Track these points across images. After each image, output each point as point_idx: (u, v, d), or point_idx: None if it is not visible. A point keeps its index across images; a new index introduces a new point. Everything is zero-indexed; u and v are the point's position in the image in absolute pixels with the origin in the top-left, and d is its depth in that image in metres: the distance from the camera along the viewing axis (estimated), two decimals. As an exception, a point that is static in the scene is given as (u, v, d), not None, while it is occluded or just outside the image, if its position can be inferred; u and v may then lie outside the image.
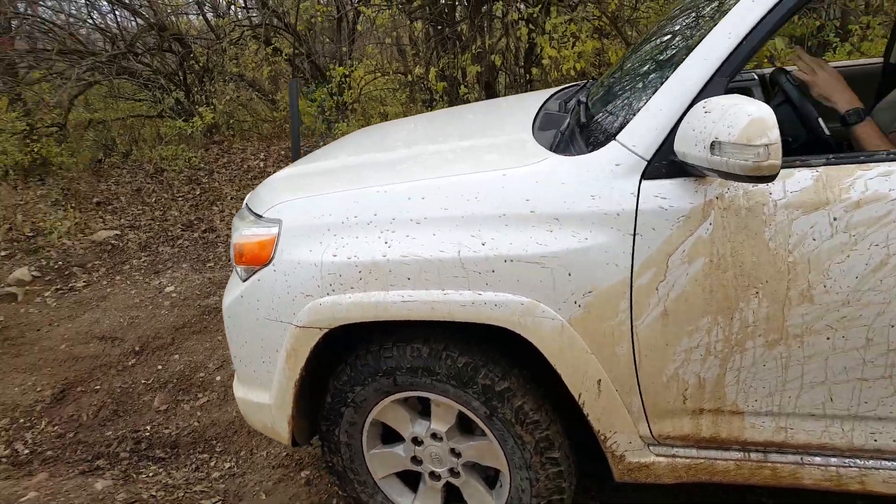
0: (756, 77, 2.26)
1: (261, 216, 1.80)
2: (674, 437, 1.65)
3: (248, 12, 8.78)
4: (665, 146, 1.45)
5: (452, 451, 1.84)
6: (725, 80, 1.43)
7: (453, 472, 1.87)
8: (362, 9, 7.29)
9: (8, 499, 2.44)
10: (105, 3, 8.27)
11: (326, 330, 1.67)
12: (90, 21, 8.63)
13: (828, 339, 1.44)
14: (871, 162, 1.39)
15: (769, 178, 1.25)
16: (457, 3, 6.64)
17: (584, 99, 1.90)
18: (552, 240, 1.50)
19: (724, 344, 1.49)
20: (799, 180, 1.40)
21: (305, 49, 7.50)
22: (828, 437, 1.56)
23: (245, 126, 8.38)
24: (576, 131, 1.70)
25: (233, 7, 9.23)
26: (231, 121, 8.29)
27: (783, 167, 1.41)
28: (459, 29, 6.38)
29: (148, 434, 2.90)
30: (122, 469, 2.68)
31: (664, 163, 1.45)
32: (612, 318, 1.51)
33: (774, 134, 1.21)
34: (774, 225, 1.40)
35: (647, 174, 1.46)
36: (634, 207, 1.46)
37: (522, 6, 5.70)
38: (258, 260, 1.73)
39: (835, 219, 1.37)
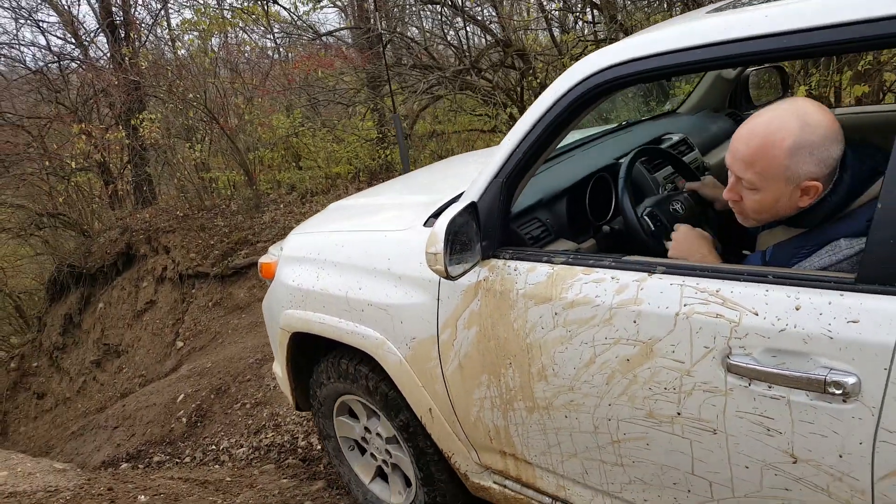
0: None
1: (280, 245, 2.59)
2: (494, 469, 1.98)
3: (594, 27, 8.54)
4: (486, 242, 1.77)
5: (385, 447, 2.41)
6: (501, 180, 1.72)
7: (385, 462, 2.45)
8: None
9: (287, 501, 2.79)
10: (459, 20, 8.89)
11: (290, 332, 2.40)
12: (444, 38, 9.25)
13: (566, 417, 1.66)
14: (594, 267, 1.55)
15: (448, 278, 1.58)
16: None
17: None
18: (394, 293, 1.98)
19: (501, 400, 1.80)
20: (539, 274, 1.64)
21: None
22: (594, 499, 1.74)
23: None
24: (445, 206, 2.09)
25: (579, 22, 9.20)
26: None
27: (533, 260, 1.66)
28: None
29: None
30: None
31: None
32: (429, 362, 1.94)
33: (439, 246, 1.54)
34: (517, 310, 1.67)
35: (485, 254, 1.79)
36: (439, 278, 1.85)
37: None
38: (270, 276, 2.54)
39: (556, 314, 1.59)
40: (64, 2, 12.76)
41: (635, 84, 1.57)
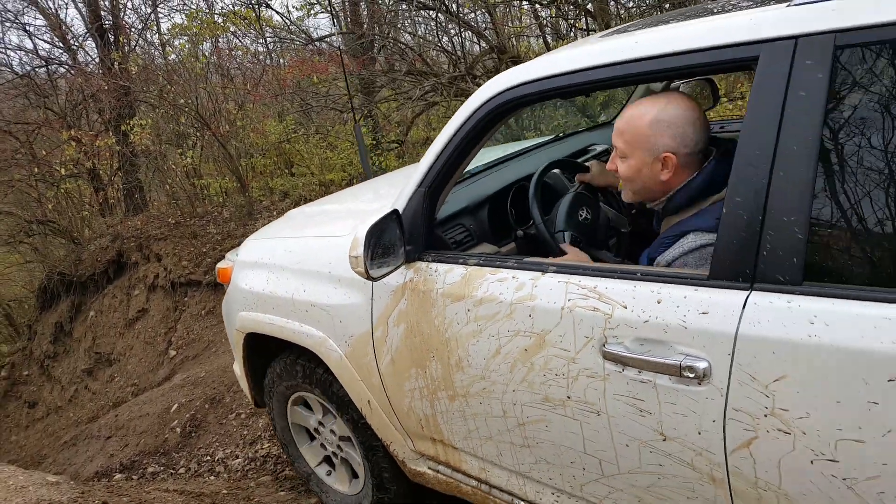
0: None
1: (236, 251, 2.76)
2: (427, 455, 2.14)
3: (587, 34, 8.51)
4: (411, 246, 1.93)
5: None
6: (423, 190, 1.88)
7: (335, 454, 2.61)
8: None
9: None
10: (453, 26, 8.98)
11: (245, 333, 2.56)
12: (438, 44, 9.26)
13: (480, 403, 1.82)
14: (499, 267, 1.72)
15: (370, 279, 1.75)
16: None
17: None
18: (334, 294, 2.15)
19: (427, 390, 1.96)
20: (455, 275, 1.80)
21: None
22: (512, 486, 1.91)
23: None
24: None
25: (573, 30, 9.31)
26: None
27: (451, 262, 1.83)
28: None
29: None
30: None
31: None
32: (366, 357, 2.10)
33: (359, 250, 1.71)
34: (437, 307, 1.84)
35: (410, 258, 1.95)
36: (392, 283, 1.99)
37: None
38: (226, 280, 2.70)
39: (468, 310, 1.76)
40: (51, 5, 12.79)
41: (532, 104, 1.74)
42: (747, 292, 1.28)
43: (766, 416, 1.25)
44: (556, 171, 2.30)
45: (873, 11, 1.15)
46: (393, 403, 2.11)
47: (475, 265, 1.77)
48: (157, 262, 9.37)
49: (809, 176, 1.20)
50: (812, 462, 1.21)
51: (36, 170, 9.94)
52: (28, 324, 10.39)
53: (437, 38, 9.38)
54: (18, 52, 15.47)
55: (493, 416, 1.79)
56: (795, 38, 1.24)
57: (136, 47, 13.04)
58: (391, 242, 1.81)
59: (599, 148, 2.80)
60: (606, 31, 1.83)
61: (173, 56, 11.32)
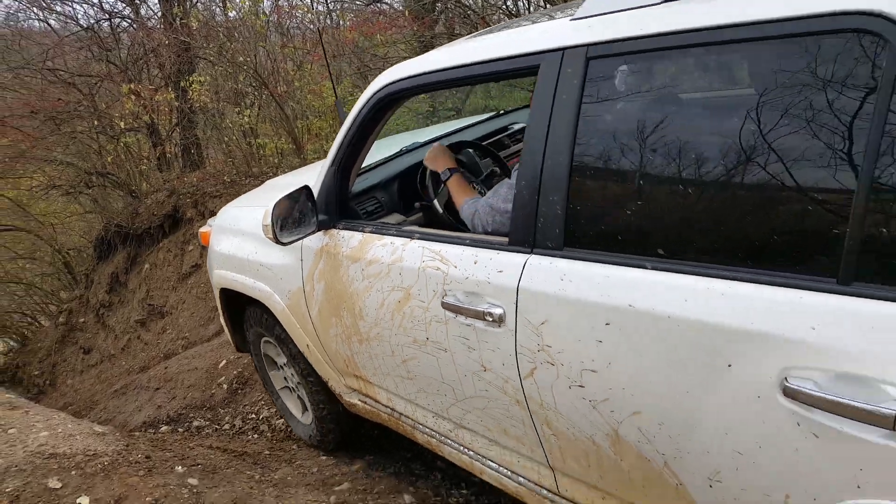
0: None
1: (215, 218, 3.22)
2: (354, 389, 2.58)
3: None
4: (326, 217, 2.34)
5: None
6: (334, 168, 2.28)
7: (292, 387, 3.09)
8: None
9: (325, 482, 2.81)
10: None
11: (219, 288, 3.04)
12: (503, 6, 8.96)
13: (377, 345, 2.24)
14: (383, 234, 2.12)
15: (279, 244, 2.17)
16: None
17: None
18: (276, 256, 2.59)
19: (344, 335, 2.39)
20: (355, 240, 2.21)
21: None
22: (409, 412, 2.33)
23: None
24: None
25: None
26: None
27: (354, 230, 2.23)
28: None
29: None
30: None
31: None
32: (301, 308, 2.54)
33: (268, 220, 2.13)
34: (343, 267, 2.25)
35: (325, 226, 2.36)
36: (313, 246, 2.42)
37: None
38: (206, 243, 3.17)
39: (362, 269, 2.16)
40: (116, -40, 12.89)
41: (410, 97, 2.10)
42: (528, 255, 1.64)
43: (539, 351, 1.62)
44: (469, 150, 2.65)
45: (615, 29, 1.47)
46: (324, 346, 2.55)
47: (368, 232, 2.17)
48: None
49: (566, 162, 1.55)
50: (570, 387, 1.58)
51: (97, 122, 10.22)
52: (86, 273, 10.91)
53: (502, 1, 9.13)
54: (83, 5, 15.79)
55: (387, 355, 2.21)
56: (563, 49, 1.57)
57: (198, 3, 13.17)
58: (304, 213, 2.22)
59: (517, 126, 3.11)
60: (472, 34, 2.16)
61: (233, 13, 11.26)
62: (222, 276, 2.96)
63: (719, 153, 1.32)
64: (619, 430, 1.51)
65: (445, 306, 1.85)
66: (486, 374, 1.82)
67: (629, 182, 1.50)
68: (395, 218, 2.57)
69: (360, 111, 2.17)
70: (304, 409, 3.09)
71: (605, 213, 1.56)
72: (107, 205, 11.52)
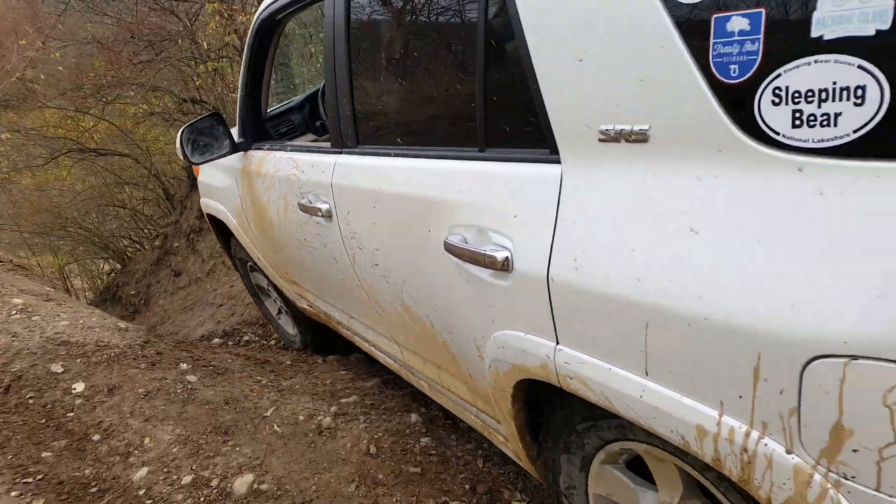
0: None
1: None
2: (298, 294, 2.96)
3: None
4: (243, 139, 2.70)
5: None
6: (243, 95, 2.61)
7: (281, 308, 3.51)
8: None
9: (334, 394, 2.93)
10: None
11: (206, 213, 3.49)
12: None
13: (287, 250, 2.58)
14: (272, 150, 2.43)
15: (190, 164, 2.54)
16: None
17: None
18: (225, 180, 2.98)
19: (272, 244, 2.76)
20: (259, 158, 2.54)
21: None
22: (321, 305, 2.67)
23: None
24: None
25: None
26: None
27: (259, 149, 2.57)
28: None
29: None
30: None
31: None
32: (245, 225, 2.93)
33: (177, 143, 2.50)
34: (254, 183, 2.60)
35: (242, 148, 2.73)
36: (238, 167, 2.79)
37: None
38: (198, 174, 3.62)
39: (263, 183, 2.50)
40: None
41: (284, 20, 2.35)
42: (338, 155, 1.90)
43: (351, 238, 1.90)
44: None
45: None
46: (266, 258, 2.92)
47: (267, 150, 2.49)
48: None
49: (347, 74, 1.78)
50: (373, 266, 1.86)
51: (193, 47, 9.80)
52: (181, 199, 11.41)
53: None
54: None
55: (294, 259, 2.55)
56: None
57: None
58: (216, 136, 2.57)
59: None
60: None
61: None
62: (204, 203, 3.40)
63: (415, 66, 1.52)
64: (403, 298, 1.77)
65: (301, 207, 2.14)
66: (337, 264, 2.11)
67: (377, 88, 1.72)
68: (308, 137, 2.87)
69: (250, 44, 2.46)
70: (293, 325, 3.51)
71: (372, 114, 1.79)
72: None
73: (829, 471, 0.79)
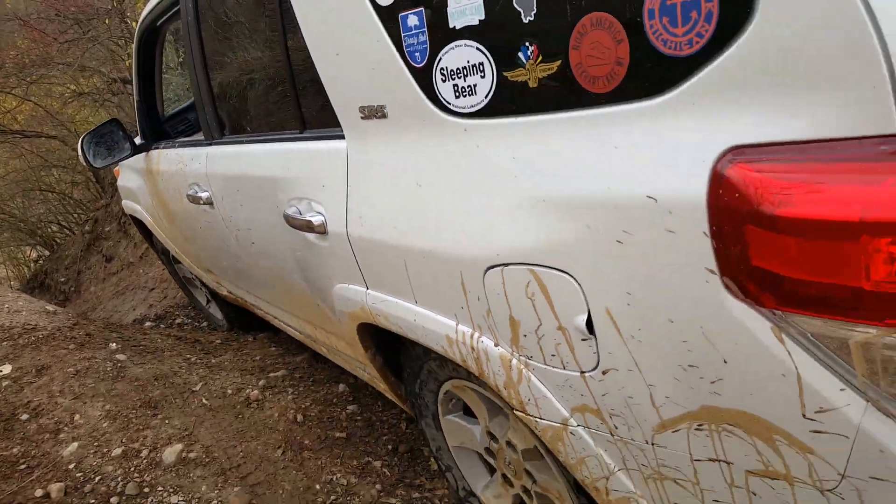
0: None
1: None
2: (216, 282, 3.19)
3: None
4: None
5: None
6: (139, 99, 2.81)
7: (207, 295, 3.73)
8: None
9: (263, 368, 3.08)
10: None
11: (129, 215, 3.69)
12: None
13: (193, 240, 2.80)
14: (164, 148, 2.65)
15: (92, 168, 2.75)
16: None
17: None
18: (137, 180, 3.18)
19: (180, 236, 2.97)
20: (156, 157, 2.75)
21: None
22: (238, 293, 2.91)
23: None
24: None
25: None
26: None
27: (156, 148, 2.78)
28: None
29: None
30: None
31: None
32: (159, 221, 3.14)
33: (79, 149, 2.70)
34: (154, 179, 2.81)
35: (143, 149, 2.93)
36: (143, 167, 3.00)
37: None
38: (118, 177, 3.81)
39: (161, 178, 2.71)
40: None
41: (160, 28, 2.55)
42: (208, 147, 2.13)
43: (231, 221, 2.13)
44: None
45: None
46: (181, 249, 3.15)
47: (162, 149, 2.70)
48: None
49: (205, 73, 2.00)
50: (251, 244, 2.09)
51: (122, 25, 9.41)
52: (111, 182, 10.49)
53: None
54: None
55: (201, 248, 2.77)
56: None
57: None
58: (117, 140, 2.77)
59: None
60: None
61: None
62: (124, 204, 3.61)
63: (252, 64, 1.75)
64: (282, 272, 2.02)
65: (189, 198, 2.37)
66: (229, 248, 2.35)
67: (228, 85, 1.96)
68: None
69: (136, 52, 2.66)
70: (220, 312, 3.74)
71: (229, 108, 2.02)
72: (132, 115, 11.54)
73: (519, 354, 1.06)
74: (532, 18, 0.87)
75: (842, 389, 0.68)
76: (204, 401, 2.80)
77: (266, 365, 3.18)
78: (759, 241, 0.67)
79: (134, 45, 2.65)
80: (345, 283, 1.53)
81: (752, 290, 0.70)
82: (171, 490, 2.36)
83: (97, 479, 2.36)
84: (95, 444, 2.47)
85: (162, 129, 2.92)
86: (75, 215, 11.46)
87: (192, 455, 2.48)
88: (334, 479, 2.47)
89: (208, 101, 2.04)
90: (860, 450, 0.69)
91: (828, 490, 0.74)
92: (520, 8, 0.88)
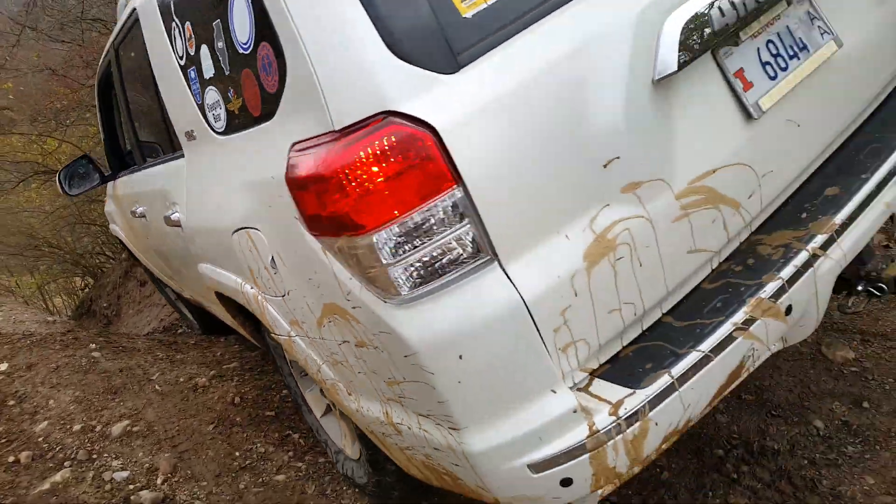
0: None
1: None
2: (180, 287, 3.77)
3: None
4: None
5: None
6: (105, 136, 3.45)
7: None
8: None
9: (219, 361, 3.53)
10: None
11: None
12: None
13: (147, 248, 3.39)
14: (123, 176, 3.26)
15: (69, 196, 3.38)
16: None
17: None
18: (114, 207, 3.81)
19: (151, 253, 3.57)
20: (118, 185, 3.37)
21: None
22: (190, 294, 3.48)
23: None
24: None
25: None
26: None
27: (119, 177, 3.40)
28: None
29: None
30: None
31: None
32: (134, 242, 3.74)
33: (57, 180, 3.34)
34: (120, 203, 3.42)
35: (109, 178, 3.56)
36: (111, 193, 3.61)
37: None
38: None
39: (122, 203, 3.33)
40: None
41: (108, 80, 3.19)
42: (138, 171, 2.72)
43: (154, 228, 2.70)
44: None
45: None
46: (157, 268, 3.74)
47: (121, 178, 3.31)
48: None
49: (126, 105, 2.61)
50: (179, 245, 2.65)
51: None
52: None
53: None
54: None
55: (151, 254, 3.36)
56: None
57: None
58: (88, 173, 3.40)
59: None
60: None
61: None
62: (111, 228, 4.24)
63: (142, 101, 2.35)
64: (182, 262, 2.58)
65: (132, 214, 2.96)
66: (166, 253, 2.92)
67: (136, 119, 2.56)
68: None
69: (97, 98, 3.32)
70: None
71: (140, 138, 2.62)
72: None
73: (258, 290, 1.59)
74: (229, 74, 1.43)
75: (350, 278, 1.19)
76: (157, 387, 3.37)
77: (223, 359, 3.72)
78: (299, 198, 1.20)
79: (95, 94, 3.30)
80: (200, 263, 2.09)
81: (309, 226, 1.22)
82: (114, 456, 2.90)
83: (58, 448, 2.93)
84: (62, 422, 3.05)
85: (124, 160, 3.53)
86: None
87: (135, 429, 3.03)
88: (254, 447, 2.96)
89: (130, 133, 2.65)
90: (365, 314, 1.20)
91: (374, 347, 1.25)
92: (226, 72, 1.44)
